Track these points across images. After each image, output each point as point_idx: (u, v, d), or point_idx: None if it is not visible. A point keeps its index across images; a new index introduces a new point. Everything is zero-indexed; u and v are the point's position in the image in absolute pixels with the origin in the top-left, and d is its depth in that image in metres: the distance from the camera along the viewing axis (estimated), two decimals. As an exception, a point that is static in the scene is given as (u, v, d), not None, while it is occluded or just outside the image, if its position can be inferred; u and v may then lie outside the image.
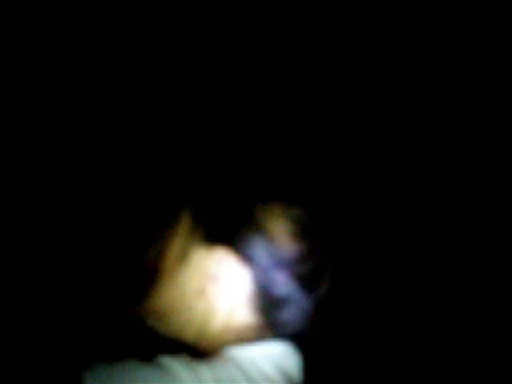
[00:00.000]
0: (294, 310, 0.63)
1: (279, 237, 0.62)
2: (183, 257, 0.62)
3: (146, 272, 0.62)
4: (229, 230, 0.62)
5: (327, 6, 0.79)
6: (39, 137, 0.73)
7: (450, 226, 0.79)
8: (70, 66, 0.76)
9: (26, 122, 0.74)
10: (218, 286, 0.62)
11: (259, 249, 0.61)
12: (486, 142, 0.79)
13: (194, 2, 0.78)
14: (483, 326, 0.75)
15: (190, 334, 0.62)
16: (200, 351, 0.62)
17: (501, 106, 0.78)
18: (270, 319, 0.63)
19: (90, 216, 0.67)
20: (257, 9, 0.79)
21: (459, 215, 0.78)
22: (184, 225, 0.62)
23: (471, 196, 0.78)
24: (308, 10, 0.80)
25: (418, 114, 0.80)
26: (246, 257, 0.62)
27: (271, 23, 0.79)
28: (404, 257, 0.78)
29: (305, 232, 0.63)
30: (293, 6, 0.79)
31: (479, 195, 0.78)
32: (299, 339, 0.66)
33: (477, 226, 0.78)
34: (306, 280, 0.63)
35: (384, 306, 0.76)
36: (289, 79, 0.79)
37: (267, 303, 0.62)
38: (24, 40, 0.75)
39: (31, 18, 0.75)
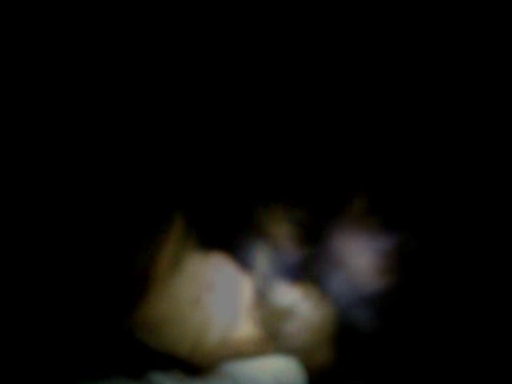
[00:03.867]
0: (298, 322, 0.61)
1: (282, 242, 0.61)
2: (176, 264, 0.60)
3: (135, 280, 0.60)
4: (226, 235, 0.61)
5: (327, 6, 0.80)
6: (31, 142, 0.73)
7: (455, 228, 0.78)
8: (69, 66, 0.76)
9: (25, 122, 0.74)
10: (215, 295, 0.60)
11: (260, 255, 0.60)
12: (486, 142, 0.79)
13: (194, 2, 0.78)
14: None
15: (183, 347, 0.60)
16: (194, 367, 0.60)
17: (500, 105, 0.78)
18: (272, 332, 0.61)
19: (79, 218, 0.65)
20: (257, 9, 0.79)
21: (463, 217, 0.78)
22: (177, 229, 0.61)
23: (472, 197, 0.78)
24: (308, 10, 0.80)
25: (418, 115, 0.80)
26: (245, 264, 0.60)
27: (271, 23, 0.79)
28: (411, 262, 0.77)
29: (309, 236, 0.62)
30: (292, 6, 0.79)
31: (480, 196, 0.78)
32: (303, 353, 0.64)
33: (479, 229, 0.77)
34: (311, 289, 0.61)
35: (394, 318, 0.74)
36: (289, 80, 0.79)
37: (268, 314, 0.61)
38: (24, 40, 0.75)
39: (31, 18, 0.74)
